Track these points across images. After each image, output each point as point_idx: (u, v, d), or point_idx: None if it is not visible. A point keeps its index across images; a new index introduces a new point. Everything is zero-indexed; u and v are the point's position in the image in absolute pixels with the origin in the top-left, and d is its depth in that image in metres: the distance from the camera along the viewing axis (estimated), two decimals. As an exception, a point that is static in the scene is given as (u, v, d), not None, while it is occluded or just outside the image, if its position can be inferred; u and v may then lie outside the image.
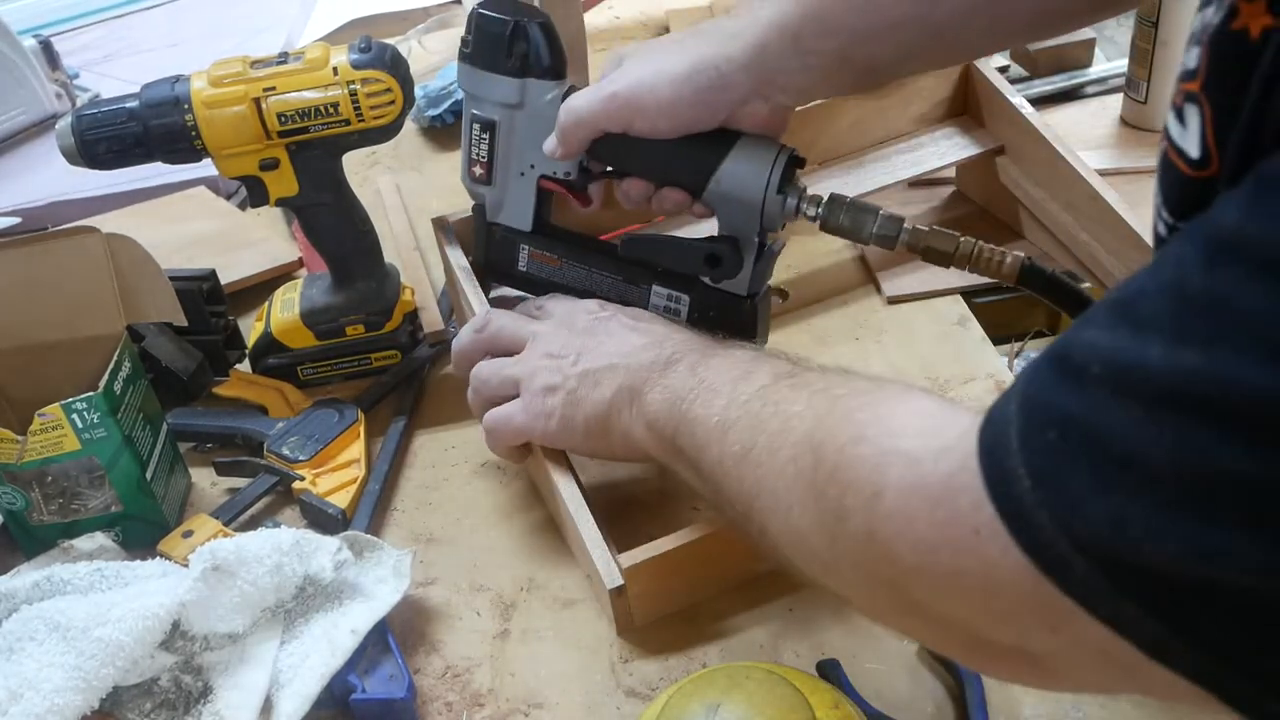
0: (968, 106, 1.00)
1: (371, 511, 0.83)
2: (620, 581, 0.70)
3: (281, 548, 0.70)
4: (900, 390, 0.51)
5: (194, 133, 0.84)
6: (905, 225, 0.73)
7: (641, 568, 0.70)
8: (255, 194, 0.89)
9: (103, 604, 0.67)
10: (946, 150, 0.98)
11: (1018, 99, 0.95)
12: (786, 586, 0.74)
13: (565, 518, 0.75)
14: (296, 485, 0.84)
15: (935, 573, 0.43)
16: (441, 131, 1.31)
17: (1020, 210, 0.97)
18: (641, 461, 0.74)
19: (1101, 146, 1.10)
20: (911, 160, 0.98)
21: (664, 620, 0.73)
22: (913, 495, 0.44)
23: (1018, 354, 0.91)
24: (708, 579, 0.73)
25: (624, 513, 0.81)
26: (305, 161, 0.87)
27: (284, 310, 0.96)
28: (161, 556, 0.79)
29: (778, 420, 0.56)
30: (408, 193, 1.21)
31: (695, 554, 0.71)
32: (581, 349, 0.73)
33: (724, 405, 0.61)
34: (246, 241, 1.13)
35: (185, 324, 0.85)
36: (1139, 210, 0.86)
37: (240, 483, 0.86)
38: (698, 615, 0.73)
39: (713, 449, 0.61)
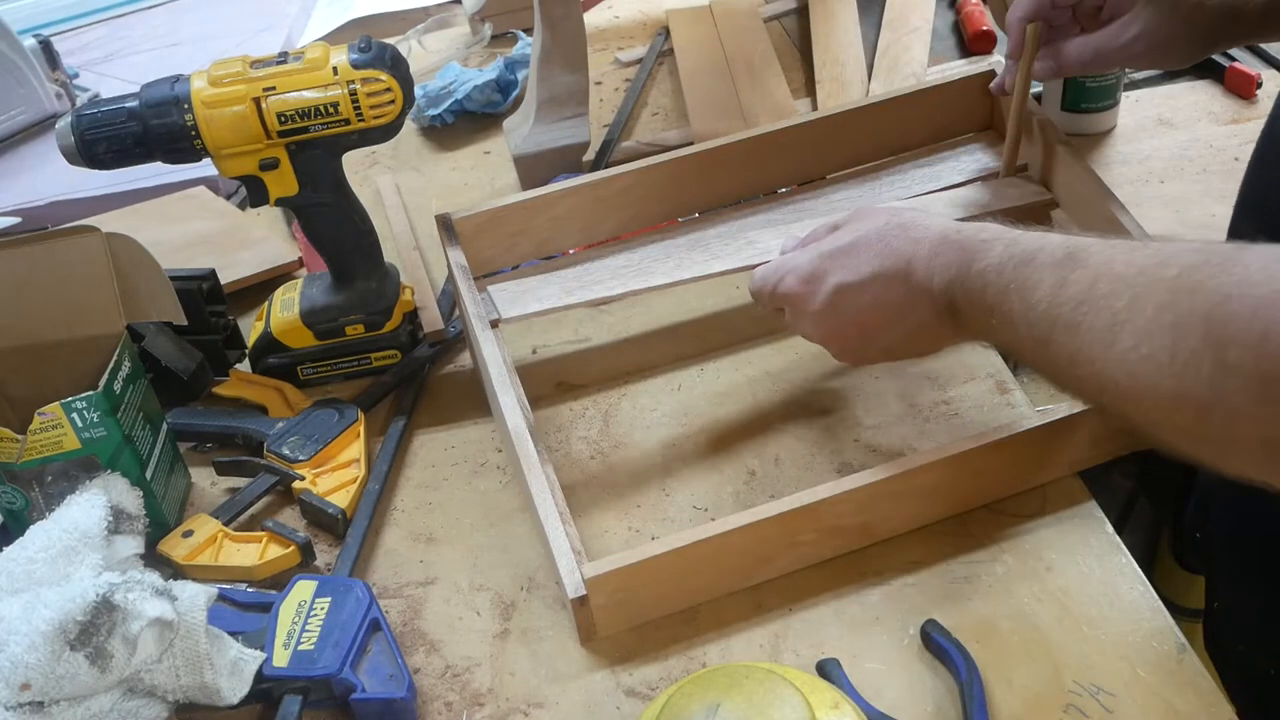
0: (993, 121, 1.00)
1: (371, 511, 0.83)
2: (582, 591, 0.70)
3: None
4: (1227, 251, 0.50)
5: (194, 133, 0.84)
6: None
7: (605, 579, 0.70)
8: (255, 194, 0.89)
9: None
10: (967, 166, 0.97)
11: (1041, 113, 0.94)
12: (785, 588, 0.74)
13: (539, 524, 0.75)
14: (296, 485, 0.84)
15: None
16: (441, 131, 1.31)
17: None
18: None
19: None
20: (929, 175, 0.97)
21: (664, 620, 0.73)
22: None
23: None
24: (675, 594, 0.73)
25: (625, 512, 0.81)
26: (305, 161, 0.87)
27: (284, 310, 0.96)
28: (162, 556, 0.79)
29: (1105, 315, 0.54)
30: (407, 192, 1.21)
31: (661, 568, 0.71)
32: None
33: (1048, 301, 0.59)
34: (246, 241, 1.13)
35: (185, 324, 0.85)
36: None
37: (240, 482, 0.86)
38: (697, 615, 0.73)
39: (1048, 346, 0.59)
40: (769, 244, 0.90)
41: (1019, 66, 0.89)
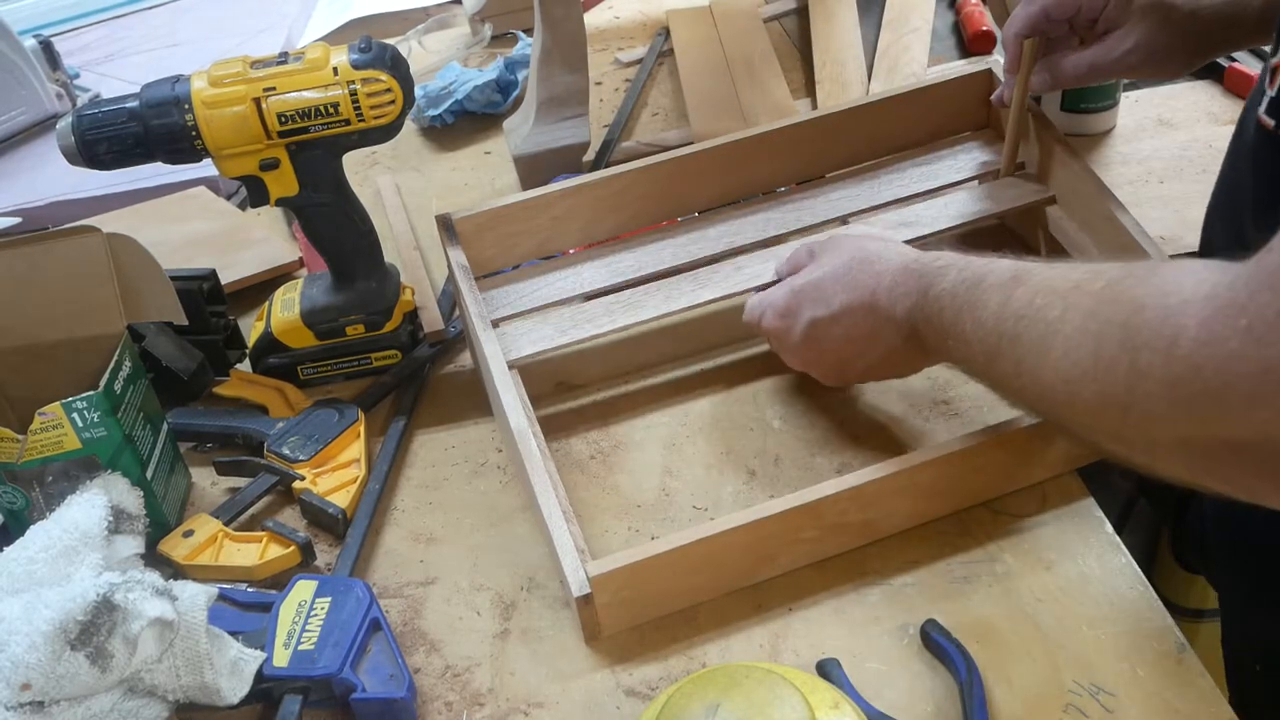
0: (991, 120, 1.00)
1: (372, 511, 0.83)
2: (587, 590, 0.70)
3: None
4: (1150, 265, 0.54)
5: (194, 133, 0.84)
6: None
7: (609, 577, 0.70)
8: (255, 194, 0.89)
9: None
10: (964, 165, 0.97)
11: (1042, 115, 0.94)
12: (785, 588, 0.74)
13: (542, 523, 0.75)
14: (297, 485, 0.84)
15: (1248, 380, 0.46)
16: (441, 131, 1.31)
17: (1040, 231, 0.96)
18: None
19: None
20: (928, 173, 0.97)
21: (664, 620, 0.73)
22: (1215, 322, 0.47)
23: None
24: (679, 591, 0.73)
25: (625, 511, 0.81)
26: (305, 161, 0.88)
27: (284, 310, 0.96)
28: (162, 556, 0.79)
29: (1040, 325, 0.58)
30: (408, 193, 1.21)
31: (666, 566, 0.71)
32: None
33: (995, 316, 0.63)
34: (246, 241, 1.13)
35: (185, 324, 0.85)
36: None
37: (240, 483, 0.86)
38: (698, 615, 0.73)
39: (995, 361, 0.63)
40: (756, 269, 0.91)
41: (1017, 80, 0.90)
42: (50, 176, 1.29)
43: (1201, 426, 0.49)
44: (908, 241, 0.91)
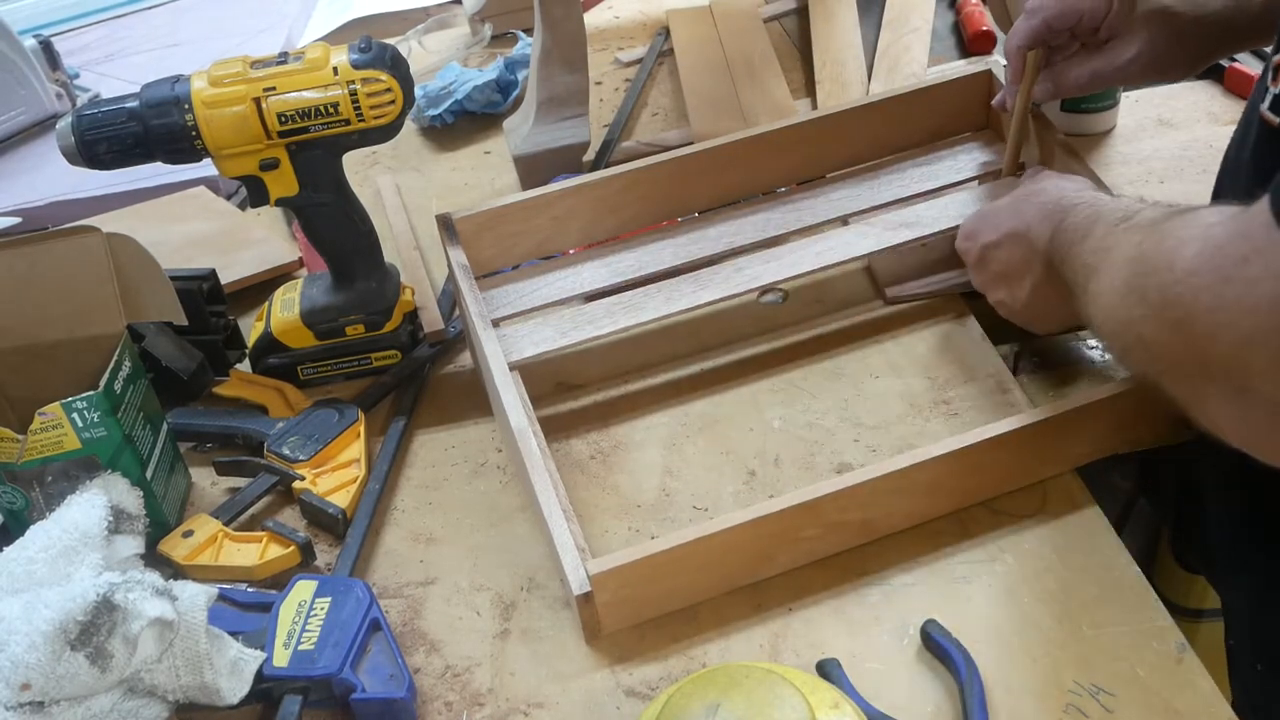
0: (990, 121, 1.00)
1: (371, 511, 0.83)
2: (588, 588, 0.70)
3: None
4: (1169, 222, 0.58)
5: (194, 133, 0.84)
6: None
7: (610, 575, 0.70)
8: (255, 194, 0.89)
9: None
10: (964, 165, 0.97)
11: (1043, 117, 0.94)
12: (785, 588, 0.74)
13: (543, 522, 0.75)
14: (296, 485, 0.84)
15: (1209, 313, 0.51)
16: (441, 131, 1.31)
17: None
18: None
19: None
20: (928, 174, 0.97)
21: (664, 620, 0.73)
22: (1200, 258, 0.52)
23: (1018, 354, 0.91)
24: (679, 590, 0.73)
25: (625, 511, 0.81)
26: (305, 161, 0.87)
27: (284, 310, 0.96)
28: (162, 556, 0.79)
29: (1106, 256, 0.64)
30: (408, 192, 1.21)
31: (666, 565, 0.71)
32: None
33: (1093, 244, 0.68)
34: (246, 241, 1.13)
35: (185, 324, 0.85)
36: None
37: (240, 483, 0.86)
38: (698, 615, 0.74)
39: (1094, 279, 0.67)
40: (756, 270, 0.91)
41: (1019, 90, 0.91)
42: (50, 176, 1.29)
43: (1184, 350, 0.54)
44: (906, 243, 0.92)
